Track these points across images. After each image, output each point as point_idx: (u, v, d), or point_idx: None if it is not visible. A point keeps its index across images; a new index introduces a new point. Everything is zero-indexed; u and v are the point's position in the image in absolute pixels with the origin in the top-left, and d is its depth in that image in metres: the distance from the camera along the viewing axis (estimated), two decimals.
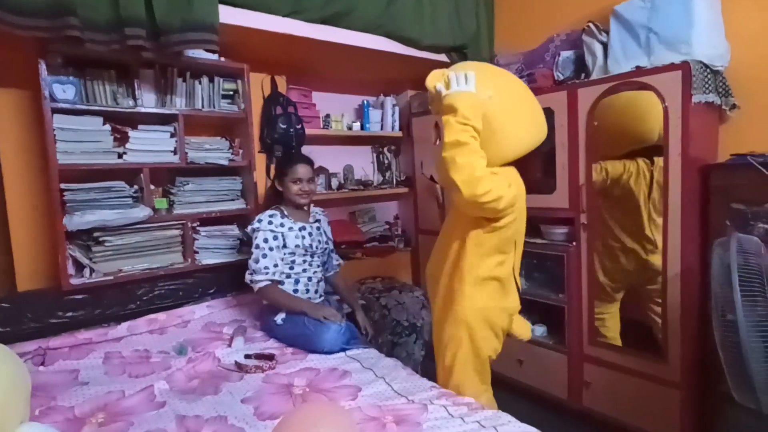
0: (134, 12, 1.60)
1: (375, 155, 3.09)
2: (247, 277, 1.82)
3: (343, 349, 1.71)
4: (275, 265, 1.81)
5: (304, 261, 1.90)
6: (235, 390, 1.43)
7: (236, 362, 1.62)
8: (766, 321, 1.25)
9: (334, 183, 2.79)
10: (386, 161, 3.07)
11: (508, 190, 1.32)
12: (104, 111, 1.81)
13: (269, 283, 1.80)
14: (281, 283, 1.85)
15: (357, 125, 2.84)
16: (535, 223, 2.19)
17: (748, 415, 1.45)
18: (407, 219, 3.13)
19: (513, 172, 1.48)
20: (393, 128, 2.94)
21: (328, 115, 2.72)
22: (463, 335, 1.48)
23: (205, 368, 1.60)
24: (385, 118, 2.93)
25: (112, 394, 1.41)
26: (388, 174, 3.06)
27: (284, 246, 1.85)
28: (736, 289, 1.26)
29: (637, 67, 1.87)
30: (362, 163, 3.04)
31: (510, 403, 1.62)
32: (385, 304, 2.51)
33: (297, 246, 1.86)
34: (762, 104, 1.83)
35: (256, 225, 1.84)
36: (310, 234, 1.91)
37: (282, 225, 1.86)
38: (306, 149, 2.47)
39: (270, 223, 1.84)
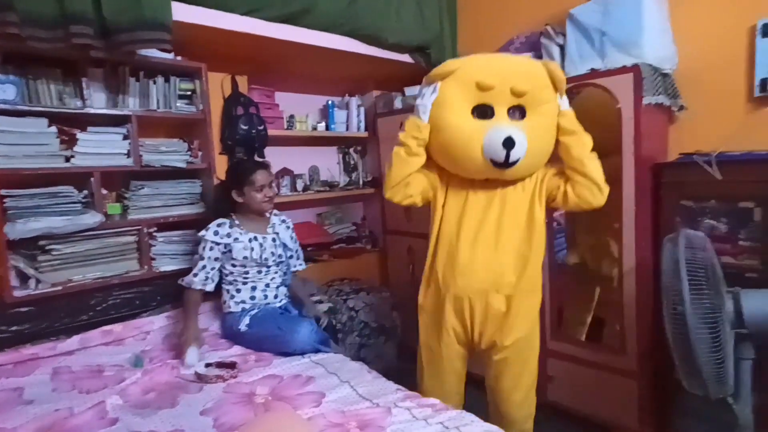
0: (80, 8, 1.52)
1: (341, 156, 3.07)
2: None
3: (317, 350, 1.69)
4: (195, 275, 1.80)
5: (259, 272, 1.87)
6: (193, 401, 1.38)
7: (196, 372, 1.56)
8: (712, 313, 1.31)
9: (300, 184, 2.75)
10: (352, 162, 3.05)
11: None
12: (49, 112, 1.71)
13: (189, 288, 1.79)
14: (208, 292, 1.86)
15: (322, 126, 2.81)
16: None
17: (698, 402, 1.52)
18: (374, 220, 3.12)
19: None
20: (359, 129, 2.93)
21: (292, 116, 2.67)
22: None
23: (163, 380, 1.54)
24: (351, 119, 2.91)
25: (59, 412, 1.33)
26: (354, 175, 3.05)
27: (233, 258, 1.82)
28: (684, 282, 1.32)
29: (592, 70, 1.93)
30: (328, 164, 3.01)
31: (477, 401, 1.64)
32: (353, 306, 2.49)
33: (245, 258, 1.82)
34: (707, 105, 1.92)
35: (202, 233, 1.82)
36: (261, 245, 1.86)
37: (229, 235, 1.82)
38: (270, 150, 2.43)
39: (216, 233, 1.80)
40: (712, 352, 1.30)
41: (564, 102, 1.45)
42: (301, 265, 2.10)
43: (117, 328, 1.81)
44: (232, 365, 1.59)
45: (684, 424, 1.72)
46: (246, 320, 1.80)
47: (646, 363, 1.85)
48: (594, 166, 1.39)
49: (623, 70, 1.80)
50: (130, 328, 1.84)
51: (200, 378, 1.53)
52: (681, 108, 1.96)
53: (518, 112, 1.41)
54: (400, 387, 1.44)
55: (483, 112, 1.40)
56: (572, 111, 1.44)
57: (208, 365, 1.61)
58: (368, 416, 1.25)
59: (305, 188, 2.76)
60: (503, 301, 1.49)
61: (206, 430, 1.23)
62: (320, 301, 2.39)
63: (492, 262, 1.48)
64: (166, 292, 2.03)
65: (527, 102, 1.40)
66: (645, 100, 1.76)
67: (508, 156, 1.33)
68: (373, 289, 2.67)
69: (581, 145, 1.40)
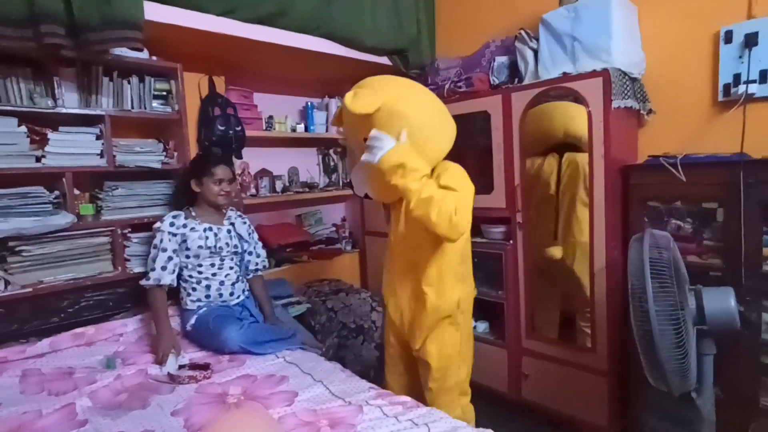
0: (50, 7, 1.51)
1: (320, 157, 3.07)
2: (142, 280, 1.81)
3: (246, 350, 1.69)
4: (163, 268, 1.79)
5: (212, 265, 1.87)
6: (164, 402, 1.38)
7: (169, 373, 1.55)
8: (675, 310, 1.35)
9: (279, 186, 2.75)
10: (332, 163, 3.06)
11: (470, 211, 1.36)
12: (19, 111, 1.68)
13: (154, 286, 1.78)
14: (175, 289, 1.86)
15: (301, 127, 2.81)
16: (475, 222, 2.25)
17: (664, 398, 1.56)
18: (354, 221, 3.13)
19: (460, 172, 1.49)
20: (338, 130, 2.93)
21: (270, 117, 2.67)
22: (452, 331, 1.53)
23: (135, 382, 1.53)
24: (330, 120, 2.91)
25: (27, 414, 1.32)
26: (334, 176, 3.05)
27: (187, 248, 1.83)
28: (648, 280, 1.35)
29: (564, 74, 1.97)
30: (307, 165, 3.01)
31: None
32: (332, 307, 2.49)
33: (200, 247, 1.83)
34: (674, 109, 1.98)
35: (157, 225, 1.82)
36: (216, 235, 1.88)
37: (185, 226, 1.84)
38: (249, 151, 2.43)
39: (172, 224, 1.82)
40: (676, 348, 1.34)
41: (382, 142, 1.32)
42: (262, 263, 2.08)
43: (89, 330, 1.79)
44: (205, 366, 1.58)
45: (651, 420, 1.77)
46: (192, 320, 1.83)
47: (615, 361, 1.90)
48: (418, 204, 1.28)
49: (593, 74, 1.84)
50: (102, 331, 1.81)
51: (173, 379, 1.52)
52: (650, 112, 2.02)
53: None
54: (373, 385, 1.46)
55: None
56: (399, 147, 1.30)
57: (181, 367, 1.61)
58: (339, 414, 1.27)
59: (284, 189, 2.76)
60: (408, 306, 1.56)
61: (176, 431, 1.22)
62: (298, 302, 2.40)
63: (402, 273, 1.58)
64: (140, 294, 2.00)
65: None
66: (614, 104, 1.81)
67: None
68: (352, 290, 2.68)
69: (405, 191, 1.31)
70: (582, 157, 2.12)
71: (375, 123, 1.35)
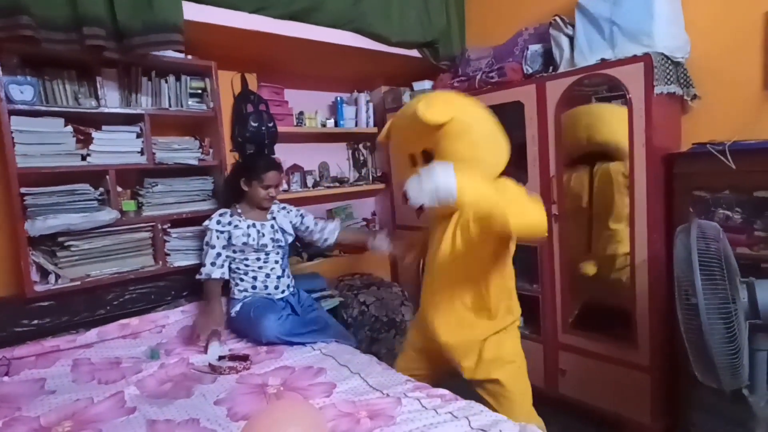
0: (93, 11, 1.57)
1: (350, 152, 3.08)
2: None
3: (283, 341, 1.73)
4: (213, 264, 1.86)
5: (258, 258, 1.93)
6: (207, 392, 1.42)
7: (210, 364, 1.60)
8: (726, 304, 1.29)
9: (310, 181, 2.77)
10: (362, 158, 3.07)
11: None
12: (65, 112, 1.76)
13: (207, 279, 1.86)
14: (227, 280, 1.92)
15: (331, 122, 2.82)
16: None
17: (712, 395, 1.50)
18: (384, 215, 3.13)
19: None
20: (368, 124, 2.94)
21: (301, 112, 2.69)
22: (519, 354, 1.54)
23: (178, 371, 1.58)
24: (360, 114, 2.92)
25: (80, 401, 1.38)
26: (364, 170, 3.06)
27: (232, 244, 1.90)
28: (697, 273, 1.30)
29: (602, 60, 1.90)
30: (337, 159, 3.03)
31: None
32: (364, 301, 2.51)
33: (244, 243, 1.89)
34: (721, 94, 1.89)
35: (206, 223, 1.90)
36: (259, 231, 1.93)
37: (230, 223, 1.90)
38: (279, 147, 2.46)
39: (218, 222, 1.89)
40: (726, 343, 1.28)
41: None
42: (328, 227, 2.09)
43: (133, 321, 1.86)
44: (245, 357, 1.62)
45: (698, 418, 1.70)
46: (237, 307, 1.89)
47: (658, 356, 1.83)
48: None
49: (634, 59, 1.77)
50: (146, 322, 1.88)
51: (214, 369, 1.56)
52: (694, 97, 1.93)
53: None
54: (409, 378, 1.46)
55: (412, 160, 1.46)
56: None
57: (221, 357, 1.65)
58: (378, 406, 1.27)
59: (315, 184, 2.78)
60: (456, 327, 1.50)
61: (220, 420, 1.26)
62: (331, 296, 2.42)
63: (449, 298, 1.51)
64: (180, 287, 2.08)
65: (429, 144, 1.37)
66: (656, 90, 1.73)
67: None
68: (384, 284, 2.68)
69: None
70: (615, 166, 2.08)
71: (445, 133, 1.31)
